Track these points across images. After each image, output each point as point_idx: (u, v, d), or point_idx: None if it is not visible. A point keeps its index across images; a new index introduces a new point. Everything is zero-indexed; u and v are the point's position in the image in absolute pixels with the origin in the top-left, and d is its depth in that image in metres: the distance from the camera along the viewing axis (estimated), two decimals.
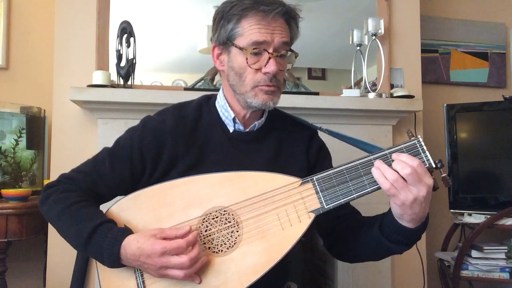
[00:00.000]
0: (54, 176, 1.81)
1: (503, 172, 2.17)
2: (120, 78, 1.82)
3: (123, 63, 1.80)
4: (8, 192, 1.80)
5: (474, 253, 2.03)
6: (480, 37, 2.71)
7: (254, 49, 0.98)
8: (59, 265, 1.77)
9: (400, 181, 0.84)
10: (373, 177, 0.89)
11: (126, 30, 1.80)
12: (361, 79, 2.14)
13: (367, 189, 0.90)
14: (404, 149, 0.90)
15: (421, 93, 2.17)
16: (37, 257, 2.11)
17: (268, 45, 0.98)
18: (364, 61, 2.09)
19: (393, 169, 0.85)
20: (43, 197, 1.00)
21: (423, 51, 2.31)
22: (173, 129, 1.04)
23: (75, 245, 0.95)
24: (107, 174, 1.02)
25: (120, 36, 1.80)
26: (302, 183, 0.92)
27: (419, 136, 0.91)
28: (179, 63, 2.15)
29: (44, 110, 2.12)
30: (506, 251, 2.03)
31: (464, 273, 2.03)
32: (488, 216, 2.03)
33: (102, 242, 0.89)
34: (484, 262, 2.01)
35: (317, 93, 2.02)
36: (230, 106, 1.08)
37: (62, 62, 1.86)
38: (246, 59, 0.98)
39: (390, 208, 0.93)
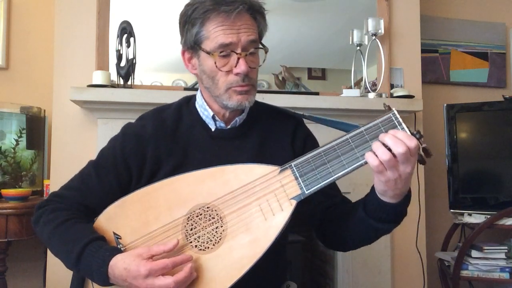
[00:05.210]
0: (54, 176, 1.80)
1: (503, 172, 2.17)
2: (120, 78, 1.82)
3: (123, 63, 1.81)
4: (8, 192, 1.80)
5: (474, 253, 2.03)
6: (480, 37, 2.71)
7: (221, 52, 0.96)
8: (59, 265, 1.74)
9: (392, 160, 0.82)
10: (351, 156, 0.87)
11: (126, 30, 1.80)
12: (361, 79, 2.14)
13: (346, 168, 0.87)
14: (380, 124, 0.87)
15: (421, 93, 2.17)
16: (37, 257, 2.11)
17: (235, 46, 0.96)
18: (364, 61, 2.09)
19: (385, 145, 0.82)
20: (35, 218, 1.01)
21: (423, 51, 2.31)
22: (154, 132, 1.04)
23: (68, 267, 0.95)
24: (95, 187, 1.02)
25: (120, 36, 1.80)
26: (281, 171, 0.91)
27: (393, 109, 0.88)
28: (179, 63, 2.09)
29: (44, 110, 2.12)
30: (506, 251, 2.03)
31: (464, 273, 2.03)
32: (488, 216, 2.03)
33: (91, 262, 0.88)
34: (484, 262, 2.01)
35: (317, 93, 2.03)
36: (208, 105, 1.07)
37: (62, 62, 1.86)
38: (215, 62, 0.97)
39: (372, 188, 0.93)
